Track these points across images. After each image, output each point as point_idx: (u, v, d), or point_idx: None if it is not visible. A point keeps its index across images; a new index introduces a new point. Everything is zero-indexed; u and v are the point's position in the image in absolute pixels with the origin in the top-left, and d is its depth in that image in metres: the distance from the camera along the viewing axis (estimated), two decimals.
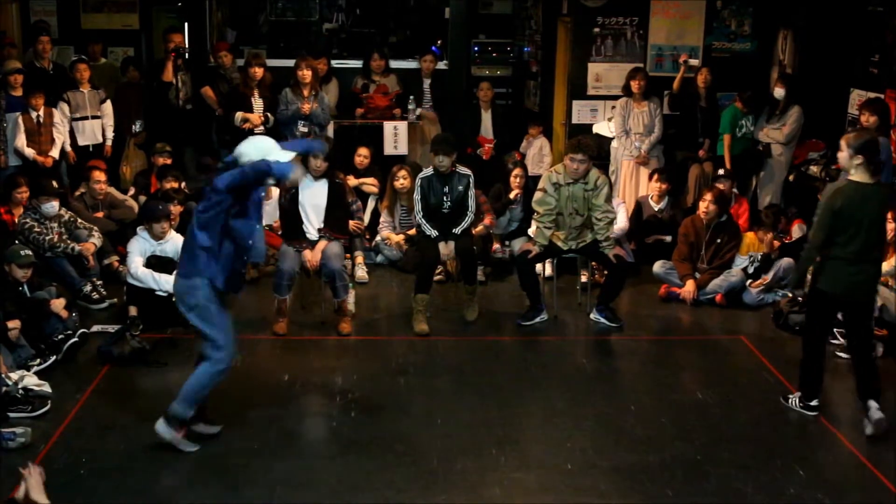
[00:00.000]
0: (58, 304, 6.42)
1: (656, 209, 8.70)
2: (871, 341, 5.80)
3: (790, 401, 5.86)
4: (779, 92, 8.91)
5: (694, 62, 9.43)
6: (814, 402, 5.74)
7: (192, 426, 5.18)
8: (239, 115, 8.78)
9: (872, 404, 5.49)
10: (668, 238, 8.44)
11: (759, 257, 7.75)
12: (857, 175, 5.42)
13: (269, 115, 8.83)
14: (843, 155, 5.48)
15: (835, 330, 6.89)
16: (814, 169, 8.86)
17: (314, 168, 6.80)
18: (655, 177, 8.75)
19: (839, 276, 5.46)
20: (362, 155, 8.96)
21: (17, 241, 6.98)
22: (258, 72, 8.81)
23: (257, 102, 8.83)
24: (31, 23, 10.20)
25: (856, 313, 5.63)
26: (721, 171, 8.76)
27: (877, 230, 5.45)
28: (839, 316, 6.00)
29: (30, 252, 6.56)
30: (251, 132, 8.80)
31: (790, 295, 7.23)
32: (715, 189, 7.99)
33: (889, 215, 6.71)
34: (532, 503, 4.81)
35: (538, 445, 5.33)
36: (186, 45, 9.85)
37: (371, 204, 8.90)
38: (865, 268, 5.46)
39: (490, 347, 6.85)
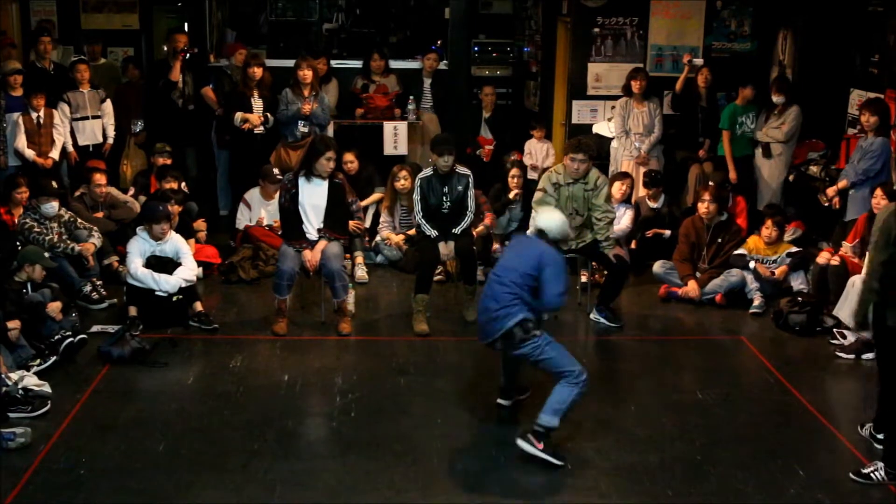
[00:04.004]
0: (54, 308, 6.40)
1: (653, 207, 8.73)
2: None
3: (874, 473, 4.93)
4: (777, 99, 8.92)
5: (698, 62, 9.43)
6: None
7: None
8: (238, 115, 8.77)
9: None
10: (668, 232, 8.44)
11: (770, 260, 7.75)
12: None
13: (268, 115, 8.82)
14: None
15: (834, 330, 6.90)
16: (814, 169, 8.85)
17: (325, 169, 6.79)
18: (642, 185, 8.86)
19: None
20: (349, 160, 8.72)
21: (18, 242, 6.99)
22: (257, 71, 8.80)
23: (257, 103, 8.82)
24: (31, 23, 10.19)
25: None
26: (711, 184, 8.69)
27: None
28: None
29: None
30: (251, 132, 8.82)
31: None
32: (711, 187, 8.00)
33: None
34: (532, 503, 4.81)
35: None
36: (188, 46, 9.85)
37: (372, 206, 8.89)
38: None
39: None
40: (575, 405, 5.13)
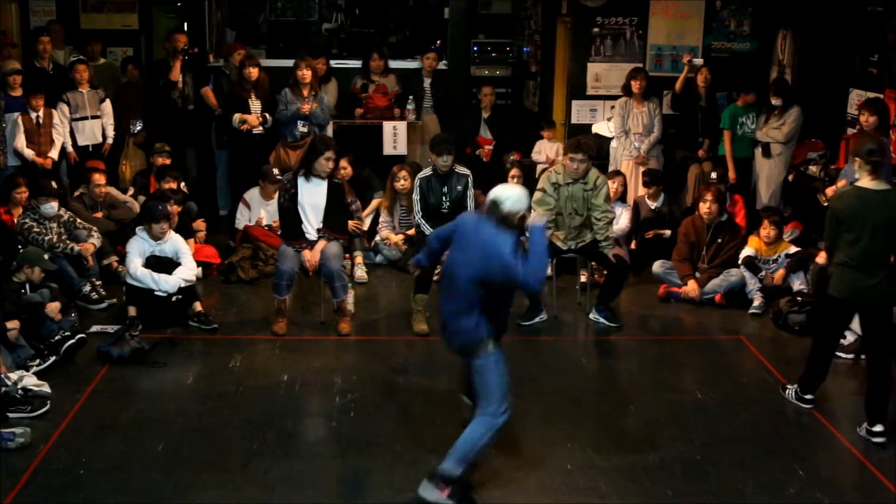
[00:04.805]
0: (52, 308, 6.39)
1: (653, 207, 8.74)
2: (887, 350, 5.46)
3: (787, 392, 5.96)
4: (775, 101, 8.93)
5: (698, 62, 9.44)
6: (809, 396, 5.84)
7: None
8: (237, 116, 8.77)
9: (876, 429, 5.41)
10: (668, 232, 8.44)
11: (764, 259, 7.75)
12: (863, 180, 5.36)
13: (266, 115, 8.82)
14: (853, 164, 5.49)
15: None
16: (813, 169, 8.86)
17: (324, 169, 6.78)
18: (642, 183, 8.86)
19: (845, 281, 5.40)
20: (342, 167, 8.53)
21: (18, 242, 6.99)
22: (253, 72, 8.79)
23: (255, 104, 8.81)
24: (30, 23, 10.20)
25: (867, 320, 5.47)
26: (714, 175, 8.73)
27: (885, 236, 5.25)
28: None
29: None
30: (250, 133, 8.81)
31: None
32: (714, 188, 8.00)
33: None
34: (532, 503, 4.81)
35: (538, 445, 5.33)
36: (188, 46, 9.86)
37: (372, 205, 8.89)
38: (873, 273, 5.30)
39: None
40: (483, 450, 4.62)
